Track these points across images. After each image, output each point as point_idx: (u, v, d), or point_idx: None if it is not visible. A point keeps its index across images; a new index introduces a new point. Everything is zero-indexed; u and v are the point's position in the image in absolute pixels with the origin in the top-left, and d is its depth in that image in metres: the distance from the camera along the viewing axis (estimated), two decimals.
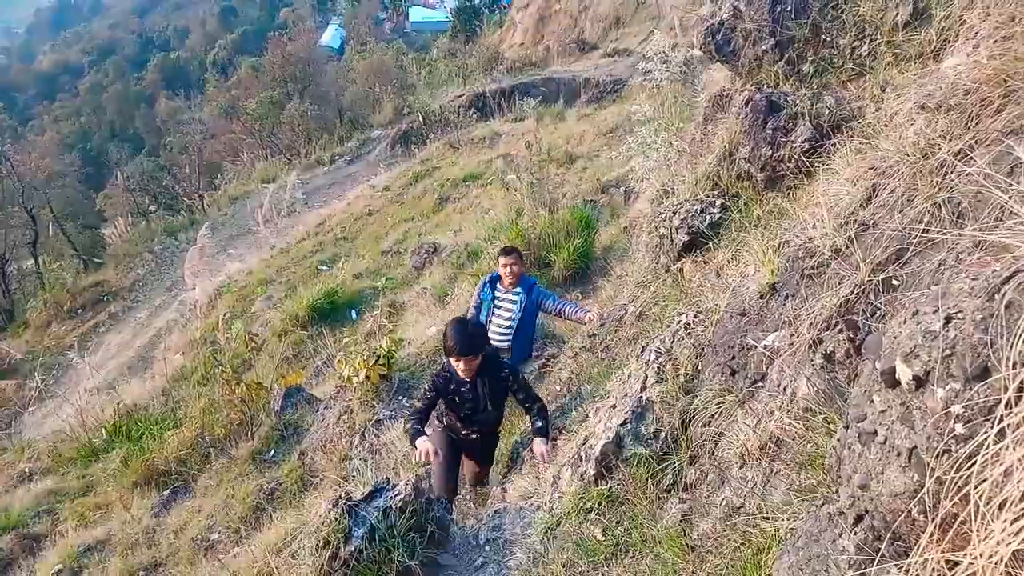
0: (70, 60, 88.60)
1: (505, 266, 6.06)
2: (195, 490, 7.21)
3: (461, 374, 4.50)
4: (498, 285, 6.17)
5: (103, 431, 9.03)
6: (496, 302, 6.13)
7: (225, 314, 11.83)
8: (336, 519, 3.47)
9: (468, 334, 4.44)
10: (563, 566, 3.04)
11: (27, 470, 9.27)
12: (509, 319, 6.08)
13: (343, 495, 3.61)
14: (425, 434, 4.44)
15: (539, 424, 4.54)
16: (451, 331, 4.43)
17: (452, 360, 4.47)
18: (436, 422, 4.88)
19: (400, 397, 6.76)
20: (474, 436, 4.85)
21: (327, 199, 20.00)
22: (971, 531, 1.27)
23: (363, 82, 30.79)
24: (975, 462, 1.26)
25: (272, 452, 7.26)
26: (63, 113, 68.34)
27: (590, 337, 5.76)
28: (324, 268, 14.02)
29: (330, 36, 62.29)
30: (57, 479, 8.65)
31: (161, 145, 42.56)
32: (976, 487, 1.25)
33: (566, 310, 6.19)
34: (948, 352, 1.38)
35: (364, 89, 30.13)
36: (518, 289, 6.10)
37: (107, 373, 12.82)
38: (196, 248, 13.82)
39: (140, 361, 13.54)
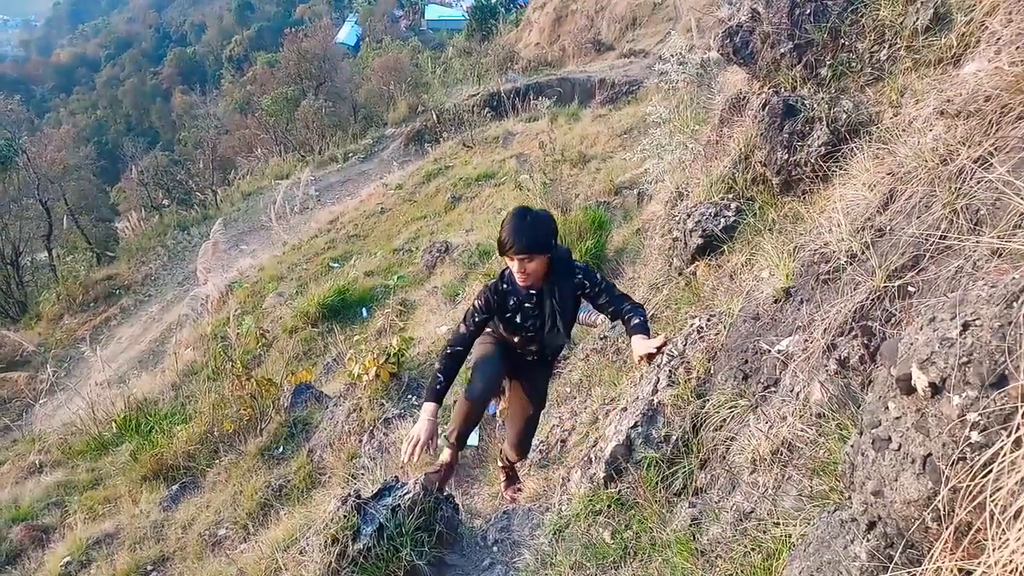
0: (87, 53, 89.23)
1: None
2: (203, 485, 7.24)
3: (521, 282, 3.55)
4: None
5: (113, 424, 9.08)
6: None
7: (236, 310, 11.90)
8: (345, 517, 3.47)
9: (529, 223, 3.45)
10: (571, 568, 3.03)
11: (37, 462, 9.34)
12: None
13: (352, 493, 3.61)
14: (438, 402, 3.61)
15: (636, 320, 3.61)
16: (507, 221, 3.48)
17: (507, 260, 3.52)
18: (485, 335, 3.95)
19: (410, 396, 6.77)
20: (532, 353, 3.96)
21: (340, 196, 20.05)
22: (985, 540, 1.26)
23: (378, 80, 30.84)
24: (991, 470, 1.25)
25: (281, 449, 7.28)
26: (79, 106, 68.84)
27: (601, 339, 5.75)
28: (335, 265, 14.05)
29: (346, 33, 62.53)
30: (67, 471, 8.70)
31: (176, 139, 42.88)
32: (992, 496, 1.23)
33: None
34: (965, 359, 1.37)
35: (379, 87, 30.18)
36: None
37: (118, 366, 12.90)
38: (209, 243, 13.94)
39: (151, 355, 13.62)
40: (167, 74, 71.34)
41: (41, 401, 11.96)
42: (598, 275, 3.79)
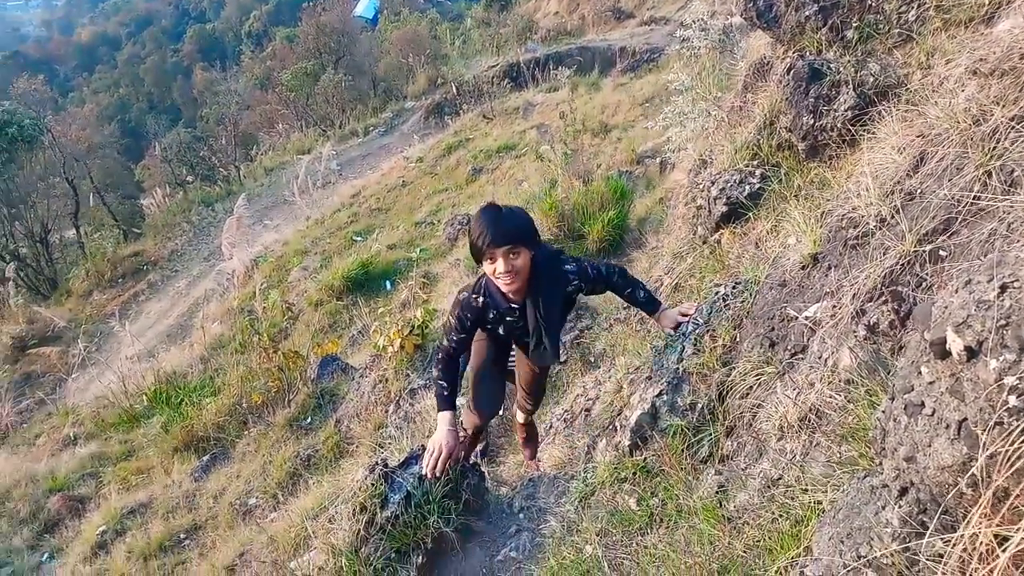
0: (108, 32, 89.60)
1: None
2: (234, 456, 7.35)
3: (507, 285, 3.12)
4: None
5: (144, 398, 9.24)
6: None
7: (262, 284, 11.98)
8: (373, 485, 3.51)
9: (505, 213, 3.06)
10: (597, 535, 3.05)
11: (72, 435, 9.53)
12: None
13: (380, 462, 3.65)
14: (452, 409, 3.39)
15: (642, 294, 3.54)
16: (477, 217, 3.05)
17: (485, 265, 3.08)
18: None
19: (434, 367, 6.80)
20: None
21: (361, 170, 20.06)
22: (1023, 506, 1.24)
23: (397, 53, 30.66)
24: None
25: (308, 419, 7.36)
26: (102, 84, 69.20)
27: (624, 309, 5.73)
28: (359, 239, 14.09)
29: (364, 6, 61.90)
30: (100, 444, 8.88)
31: (198, 116, 42.98)
32: None
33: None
34: (1003, 322, 1.34)
35: (398, 60, 30.03)
36: None
37: (147, 341, 13.08)
38: (233, 219, 14.02)
39: (179, 329, 13.79)
40: (187, 51, 71.52)
41: (73, 375, 12.18)
42: (590, 268, 3.38)
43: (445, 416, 3.36)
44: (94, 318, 15.93)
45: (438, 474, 3.37)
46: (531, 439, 4.49)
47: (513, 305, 3.26)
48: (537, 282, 3.19)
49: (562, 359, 3.84)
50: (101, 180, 24.61)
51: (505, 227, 2.97)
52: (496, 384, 3.90)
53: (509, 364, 4.10)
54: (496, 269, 3.02)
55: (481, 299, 3.28)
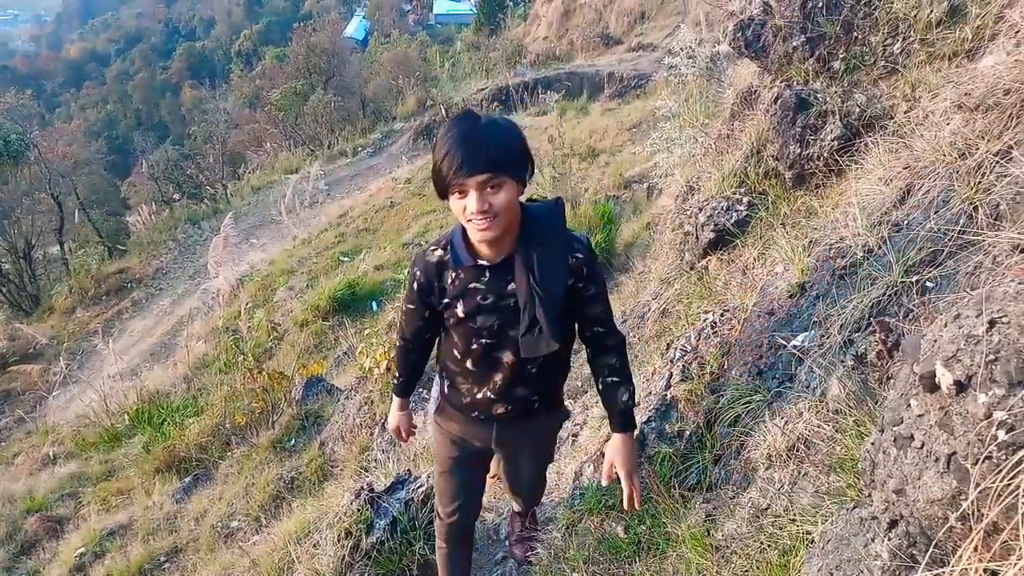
0: (97, 48, 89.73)
1: None
2: (216, 477, 7.27)
3: (476, 235, 2.14)
4: None
5: (126, 417, 9.14)
6: None
7: (247, 303, 11.91)
8: (358, 510, 3.48)
9: (485, 125, 2.05)
10: (584, 562, 3.03)
11: (51, 454, 9.40)
12: None
13: (365, 486, 3.62)
14: (403, 395, 2.81)
15: (624, 398, 2.46)
16: (447, 130, 2.07)
17: (452, 201, 2.10)
18: (440, 387, 2.66)
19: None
20: (500, 403, 2.45)
21: (349, 190, 20.06)
22: (1015, 541, 1.25)
23: (387, 74, 30.83)
24: (1021, 470, 1.24)
25: (293, 441, 7.30)
26: (90, 101, 69.17)
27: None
28: (346, 259, 14.06)
29: (354, 27, 62.55)
30: (80, 463, 8.76)
31: (186, 134, 43.00)
32: (1022, 497, 1.22)
33: None
34: (992, 357, 1.36)
35: (387, 81, 30.17)
36: None
37: (130, 359, 12.95)
38: (219, 237, 13.95)
39: (163, 348, 13.67)
40: (176, 69, 71.66)
41: (54, 393, 12.03)
42: (599, 268, 2.38)
43: (395, 402, 2.83)
44: (77, 335, 15.78)
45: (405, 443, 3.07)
46: (522, 536, 3.53)
47: (484, 263, 2.22)
48: (530, 232, 2.20)
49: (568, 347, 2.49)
50: (87, 196, 24.49)
51: (484, 145, 1.99)
52: (462, 497, 2.80)
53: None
54: (466, 207, 2.04)
55: (439, 251, 2.29)
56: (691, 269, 5.00)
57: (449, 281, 2.28)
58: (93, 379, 11.25)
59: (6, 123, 20.32)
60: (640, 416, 3.38)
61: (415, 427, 2.97)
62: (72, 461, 8.94)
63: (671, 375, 3.48)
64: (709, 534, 2.66)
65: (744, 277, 4.14)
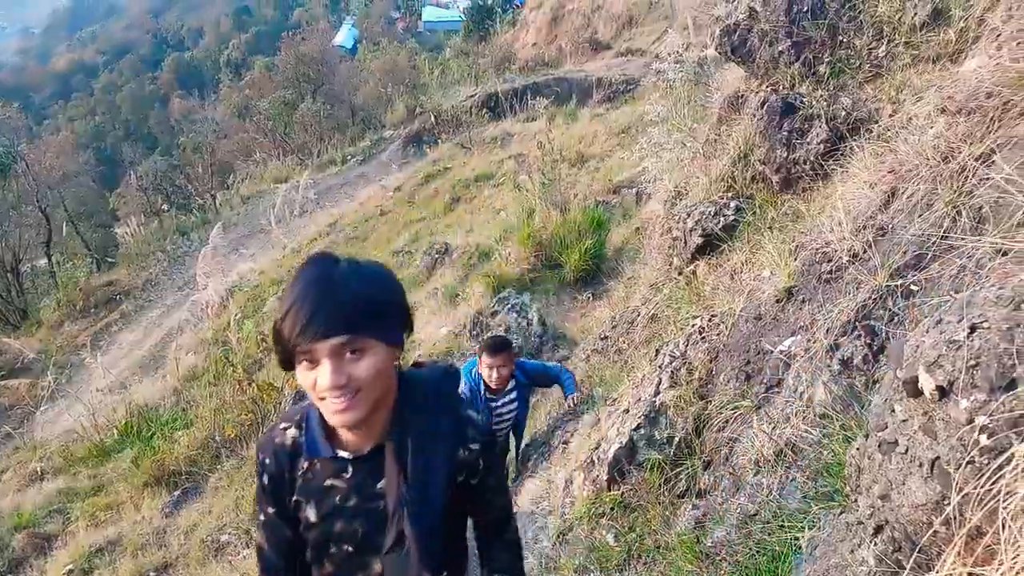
0: (85, 60, 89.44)
1: (492, 368, 4.38)
2: (206, 491, 7.22)
3: (332, 416, 1.55)
4: (484, 388, 4.46)
5: (114, 431, 9.06)
6: (494, 413, 4.52)
7: (237, 314, 11.85)
8: None
9: (344, 272, 1.54)
10: (575, 572, 3.02)
11: (39, 469, 9.30)
12: (510, 419, 4.64)
13: None
14: None
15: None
16: (292, 282, 1.55)
17: (299, 372, 1.53)
18: None
19: None
20: None
21: (339, 199, 20.02)
22: (997, 545, 1.24)
23: (376, 82, 30.84)
24: (1002, 475, 1.23)
25: None
26: (78, 112, 68.92)
27: (602, 340, 5.73)
28: None
29: (343, 36, 62.55)
30: (68, 478, 8.68)
31: (175, 145, 42.82)
32: (1004, 501, 1.21)
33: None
34: (973, 362, 1.35)
35: (377, 89, 30.19)
36: (513, 384, 4.54)
37: (119, 372, 12.87)
38: (208, 248, 13.89)
39: (152, 360, 13.59)
40: (165, 79, 71.53)
41: (42, 408, 11.93)
42: (496, 454, 1.89)
43: None
44: (65, 349, 15.66)
45: None
46: None
47: (344, 454, 1.67)
48: (409, 412, 1.66)
49: None
50: (75, 209, 24.39)
51: (340, 297, 1.49)
52: None
53: None
54: (317, 381, 1.50)
55: (291, 430, 1.74)
56: (680, 274, 5.00)
57: (301, 472, 1.71)
58: (81, 393, 11.15)
59: None
60: (629, 423, 3.38)
61: None
62: (60, 476, 8.86)
63: (660, 381, 3.47)
64: (699, 541, 2.65)
65: (732, 282, 4.14)
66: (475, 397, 4.42)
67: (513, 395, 4.53)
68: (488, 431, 1.80)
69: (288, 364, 1.55)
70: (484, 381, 4.42)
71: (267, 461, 1.74)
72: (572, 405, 4.81)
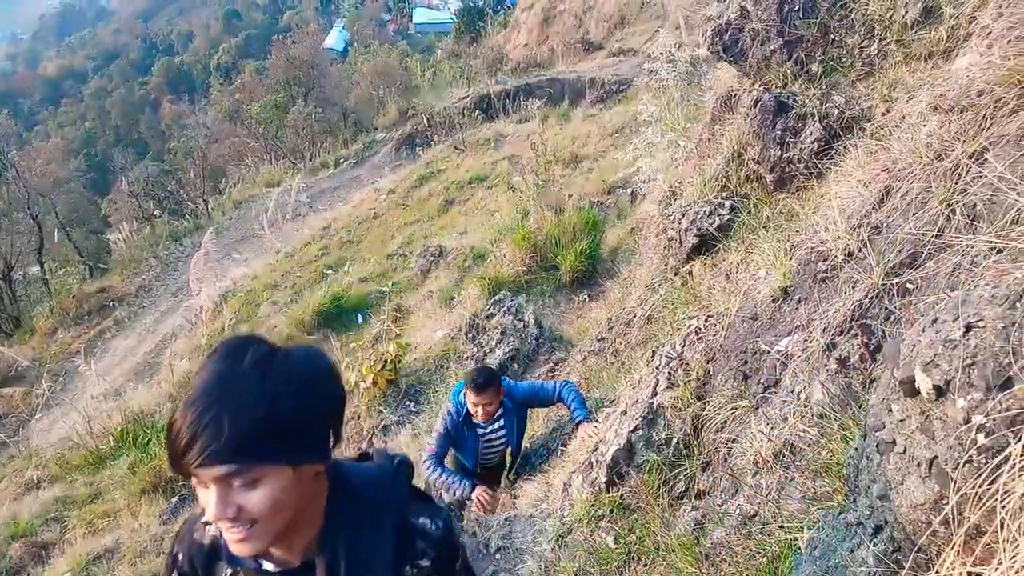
0: (74, 65, 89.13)
1: (476, 405, 4.30)
2: None
3: (234, 548, 1.29)
4: (473, 420, 4.42)
5: (110, 438, 9.03)
6: (483, 440, 4.48)
7: (231, 319, 11.84)
8: None
9: (238, 377, 1.21)
10: (575, 574, 3.02)
11: (35, 478, 9.27)
12: (501, 446, 4.61)
13: None
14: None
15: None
16: (197, 377, 1.24)
17: (201, 489, 1.24)
18: None
19: (407, 402, 6.74)
20: None
21: (332, 202, 19.99)
22: (996, 544, 1.25)
23: (367, 84, 30.85)
24: (1000, 474, 1.23)
25: None
26: (68, 118, 68.70)
27: (598, 341, 5.74)
28: (330, 272, 13.99)
29: (334, 39, 62.50)
30: (65, 487, 8.65)
31: (166, 150, 42.73)
32: (1002, 501, 1.22)
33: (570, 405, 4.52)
34: (969, 361, 1.36)
35: (368, 92, 30.19)
36: (500, 411, 4.44)
37: (113, 379, 12.82)
38: (201, 253, 13.83)
39: (146, 367, 13.54)
40: (155, 84, 71.30)
41: (37, 416, 11.89)
42: (462, 549, 1.64)
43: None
44: (59, 357, 15.60)
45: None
46: None
47: (269, 567, 1.42)
48: (344, 515, 1.41)
49: None
50: (66, 215, 24.29)
51: (228, 415, 1.18)
52: None
53: None
54: (209, 506, 1.23)
55: (213, 528, 1.45)
56: (675, 274, 5.01)
57: None
58: (76, 400, 11.12)
59: None
60: (627, 425, 3.38)
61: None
62: (56, 485, 8.82)
63: (657, 382, 3.47)
64: (698, 542, 2.65)
65: (728, 282, 4.15)
66: (461, 425, 4.35)
67: (502, 422, 4.43)
68: (444, 539, 1.52)
69: (183, 474, 1.24)
70: (472, 414, 4.34)
71: (180, 557, 1.50)
72: (586, 435, 4.14)
